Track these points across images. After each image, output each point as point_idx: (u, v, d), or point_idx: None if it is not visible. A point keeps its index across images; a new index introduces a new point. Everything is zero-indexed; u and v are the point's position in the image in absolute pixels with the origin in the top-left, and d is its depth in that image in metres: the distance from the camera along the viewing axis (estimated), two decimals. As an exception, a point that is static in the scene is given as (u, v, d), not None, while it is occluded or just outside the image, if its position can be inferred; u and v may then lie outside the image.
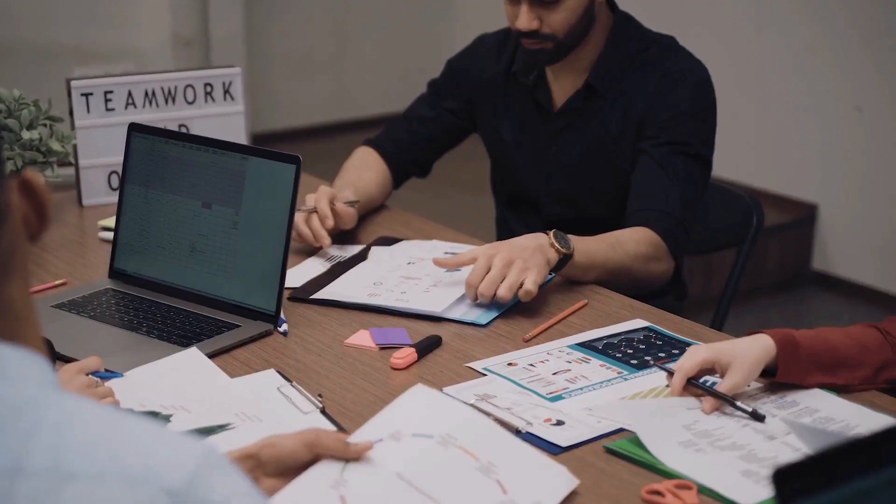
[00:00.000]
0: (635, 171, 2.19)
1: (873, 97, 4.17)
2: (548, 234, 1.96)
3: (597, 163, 2.28)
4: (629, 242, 2.06)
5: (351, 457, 1.38)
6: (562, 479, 1.42)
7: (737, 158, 4.59)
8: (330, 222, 2.16)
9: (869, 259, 4.28)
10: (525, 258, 1.91)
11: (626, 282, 2.06)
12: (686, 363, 1.64)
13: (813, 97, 4.34)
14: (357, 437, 1.40)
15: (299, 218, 2.14)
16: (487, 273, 1.90)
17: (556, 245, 1.95)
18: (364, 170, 2.40)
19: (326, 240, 2.16)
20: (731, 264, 2.45)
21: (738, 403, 1.60)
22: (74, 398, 0.93)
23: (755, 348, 1.65)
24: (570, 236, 1.99)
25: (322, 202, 2.16)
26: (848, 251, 4.36)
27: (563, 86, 2.30)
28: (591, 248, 2.01)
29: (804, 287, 4.43)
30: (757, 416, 1.59)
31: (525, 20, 2.15)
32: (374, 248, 2.22)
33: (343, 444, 1.38)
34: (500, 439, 1.44)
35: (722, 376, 1.64)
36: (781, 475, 0.98)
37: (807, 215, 4.41)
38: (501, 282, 1.89)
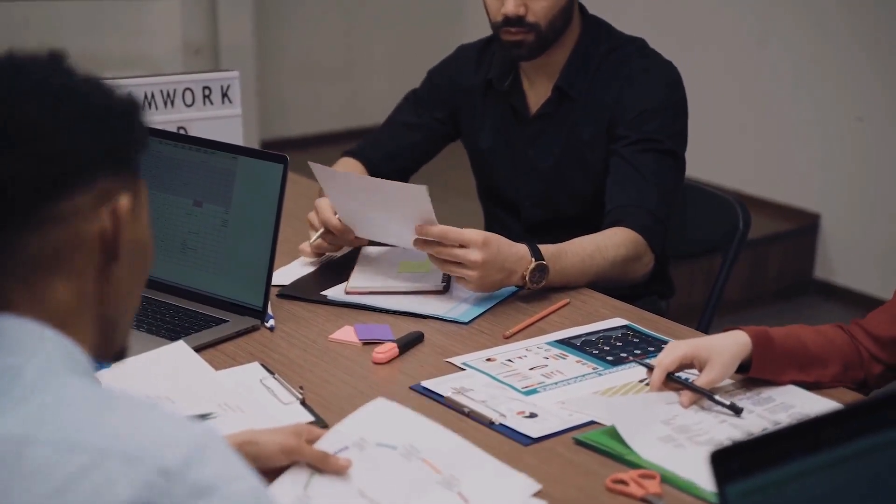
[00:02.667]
0: (609, 173, 2.23)
1: (875, 107, 4.20)
2: (527, 268, 1.96)
3: (571, 166, 2.31)
4: (609, 248, 2.08)
5: (328, 470, 1.42)
6: (524, 486, 1.45)
7: (739, 167, 4.61)
8: (351, 234, 2.16)
9: (871, 268, 4.30)
10: (499, 279, 1.96)
11: (607, 283, 2.10)
12: (666, 358, 1.67)
13: (815, 107, 4.37)
14: (326, 439, 1.45)
15: (319, 243, 2.17)
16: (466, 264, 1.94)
17: (528, 280, 1.97)
18: None
19: (351, 233, 2.17)
20: (717, 270, 2.48)
21: (717, 397, 1.64)
22: (87, 381, 1.02)
23: (732, 344, 1.69)
24: (549, 251, 1.99)
25: (332, 220, 2.15)
26: (850, 260, 4.37)
27: (536, 91, 2.33)
28: (566, 266, 2.02)
29: (806, 296, 4.45)
30: (735, 409, 1.62)
31: (512, 4, 2.19)
32: (364, 248, 2.26)
33: (322, 457, 1.42)
34: (462, 451, 1.47)
35: (700, 371, 1.67)
36: (719, 456, 1.01)
37: (809, 224, 4.43)
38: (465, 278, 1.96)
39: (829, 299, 4.40)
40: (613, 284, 2.10)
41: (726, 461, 1.01)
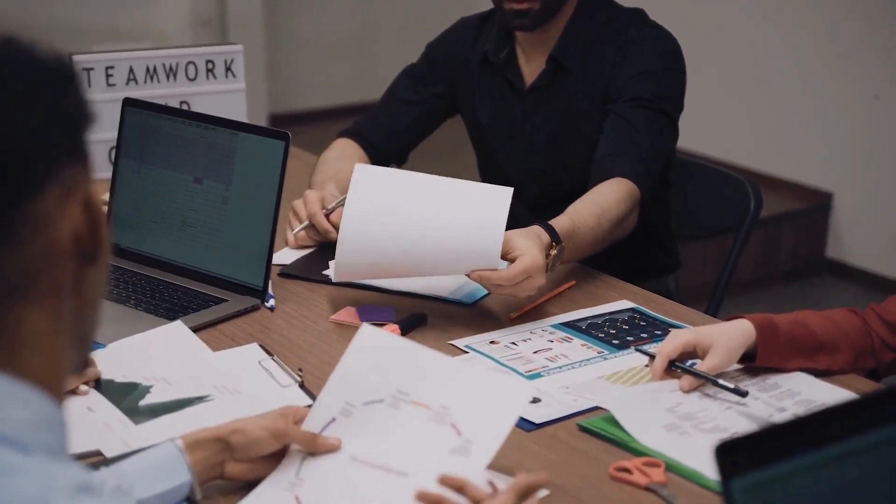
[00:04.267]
0: (603, 130, 2.17)
1: (891, 86, 4.14)
2: (550, 254, 1.83)
3: (568, 138, 2.26)
4: (612, 209, 1.99)
5: (319, 450, 1.40)
6: (516, 390, 1.42)
7: (752, 145, 4.56)
8: (333, 235, 2.10)
9: (884, 247, 4.25)
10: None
11: (606, 244, 2.03)
12: (667, 346, 1.64)
13: (830, 85, 4.31)
14: (312, 416, 1.42)
15: (301, 235, 2.13)
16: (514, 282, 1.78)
17: (550, 267, 1.83)
18: (343, 161, 2.33)
19: (334, 234, 2.14)
20: (729, 250, 2.44)
21: (721, 381, 1.60)
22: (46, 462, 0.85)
23: (736, 331, 1.65)
24: (563, 230, 1.86)
25: (318, 217, 2.11)
26: (863, 239, 4.33)
27: (532, 64, 2.28)
28: (580, 242, 1.92)
29: (818, 275, 4.41)
30: (739, 393, 1.59)
31: None
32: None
33: (310, 439, 1.39)
34: (450, 373, 1.43)
35: (703, 359, 1.64)
36: (724, 449, 0.98)
37: (822, 203, 4.38)
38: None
39: (842, 279, 4.36)
40: (609, 243, 2.02)
41: (731, 454, 0.98)
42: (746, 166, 4.39)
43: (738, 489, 0.98)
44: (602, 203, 1.99)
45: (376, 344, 1.46)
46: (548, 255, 1.81)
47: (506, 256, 1.77)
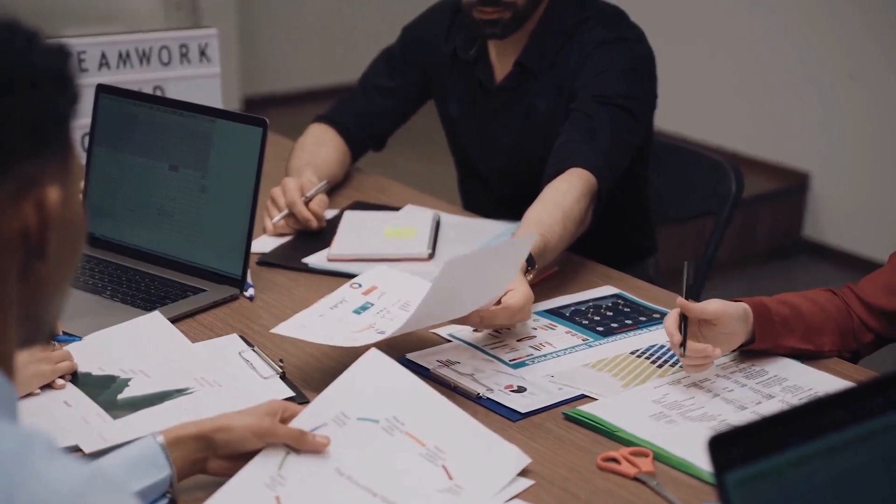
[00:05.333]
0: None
1: (866, 65, 4.13)
2: (527, 275, 1.76)
3: (533, 139, 2.21)
4: (574, 209, 1.92)
5: (305, 449, 1.37)
6: (512, 458, 1.40)
7: (729, 126, 4.56)
8: (314, 224, 2.09)
9: (861, 227, 4.26)
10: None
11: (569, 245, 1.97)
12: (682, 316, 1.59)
13: (806, 65, 4.30)
14: (304, 416, 1.40)
15: (280, 223, 2.10)
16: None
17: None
18: (320, 147, 2.30)
19: (314, 222, 2.12)
20: (710, 232, 2.43)
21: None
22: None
23: (734, 306, 1.62)
24: (536, 249, 1.79)
25: (298, 205, 2.09)
26: (840, 219, 4.33)
27: (502, 62, 2.22)
28: (550, 255, 1.87)
29: (795, 256, 4.41)
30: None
31: None
32: (346, 213, 2.20)
33: (297, 436, 1.37)
34: (451, 419, 1.41)
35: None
36: (717, 442, 0.97)
37: (799, 183, 4.38)
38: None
39: (820, 259, 4.36)
40: (572, 242, 1.96)
41: (725, 447, 0.96)
42: (723, 147, 4.38)
43: (733, 482, 0.96)
44: (563, 204, 1.91)
45: (383, 370, 1.44)
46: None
47: None
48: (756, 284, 4.13)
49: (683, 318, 1.58)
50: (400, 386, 1.43)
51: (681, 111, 4.42)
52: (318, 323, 1.65)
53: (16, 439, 0.86)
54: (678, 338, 1.57)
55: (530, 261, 1.78)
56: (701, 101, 4.56)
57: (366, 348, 1.48)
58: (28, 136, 0.88)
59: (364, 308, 1.68)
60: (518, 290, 1.70)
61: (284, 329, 1.65)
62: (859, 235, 4.26)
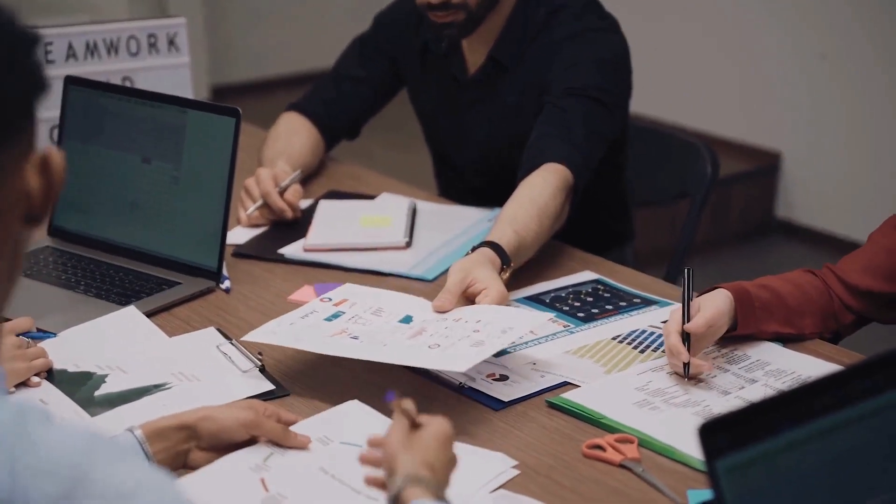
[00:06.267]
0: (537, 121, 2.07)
1: (837, 45, 4.14)
2: (502, 274, 1.76)
3: (504, 135, 2.19)
4: (549, 203, 1.89)
5: (289, 444, 1.36)
6: (497, 464, 1.39)
7: (700, 106, 4.56)
8: (289, 214, 2.08)
9: (833, 206, 4.27)
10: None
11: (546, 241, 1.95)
12: (672, 329, 1.57)
13: (777, 45, 4.31)
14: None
15: (255, 214, 2.08)
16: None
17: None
18: (293, 136, 2.27)
19: (289, 212, 2.09)
20: (686, 215, 2.42)
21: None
22: None
23: (720, 299, 1.61)
24: (511, 247, 1.79)
25: (272, 196, 2.07)
26: (812, 199, 4.34)
27: (475, 56, 2.18)
28: (525, 252, 1.84)
29: (768, 236, 4.42)
30: None
31: None
32: (321, 202, 2.18)
33: (282, 432, 1.36)
34: None
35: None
36: (708, 429, 0.96)
37: (771, 164, 4.39)
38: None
39: (792, 239, 4.38)
40: (549, 238, 1.94)
41: (715, 435, 0.96)
42: (694, 128, 4.38)
43: (723, 469, 0.96)
44: (539, 200, 1.89)
45: (364, 420, 1.44)
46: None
47: (468, 289, 1.68)
48: (729, 265, 4.13)
49: (686, 336, 1.56)
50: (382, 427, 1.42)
51: (652, 94, 4.41)
52: (289, 330, 1.63)
53: (11, 410, 0.86)
54: (686, 357, 1.54)
55: (506, 259, 1.76)
56: (672, 83, 4.56)
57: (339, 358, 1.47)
58: (31, 100, 0.91)
59: (335, 316, 1.66)
60: (492, 288, 1.67)
61: (255, 336, 1.62)
62: (831, 214, 4.27)
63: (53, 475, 0.84)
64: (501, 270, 1.75)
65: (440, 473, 1.17)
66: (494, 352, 1.53)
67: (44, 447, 0.85)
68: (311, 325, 1.63)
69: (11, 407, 0.87)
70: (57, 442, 0.85)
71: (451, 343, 1.54)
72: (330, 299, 1.70)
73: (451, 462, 1.20)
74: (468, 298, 1.68)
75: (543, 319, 1.59)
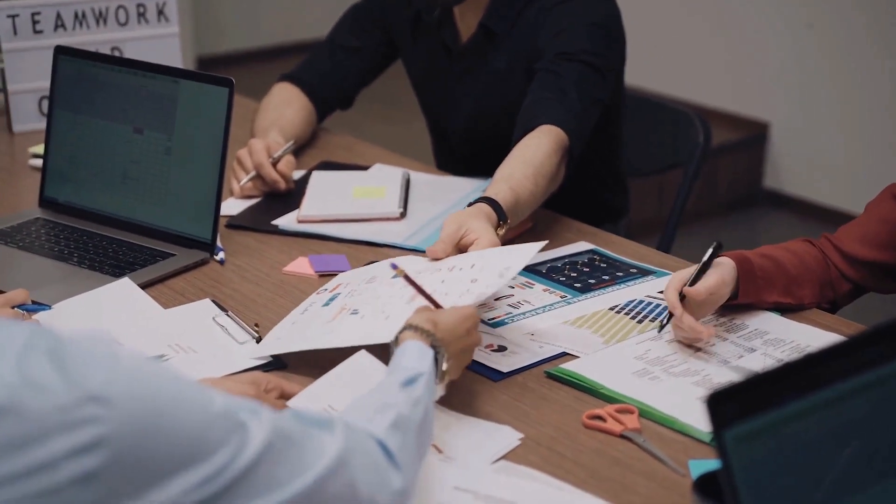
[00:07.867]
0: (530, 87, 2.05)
1: (824, 14, 4.14)
2: (499, 233, 1.74)
3: (492, 103, 2.18)
4: (544, 163, 1.88)
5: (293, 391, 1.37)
6: (503, 435, 1.39)
7: (688, 77, 4.55)
8: (282, 185, 2.06)
9: (821, 176, 4.28)
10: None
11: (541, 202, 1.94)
12: (671, 290, 1.58)
13: (764, 14, 4.30)
14: (290, 406, 1.38)
15: (248, 185, 2.06)
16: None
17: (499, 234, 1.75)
18: (286, 107, 2.26)
19: (282, 184, 2.08)
20: (679, 185, 2.42)
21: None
22: None
23: (723, 269, 1.61)
24: (507, 203, 1.77)
25: (266, 167, 2.05)
26: (800, 169, 4.35)
27: (467, 25, 2.17)
28: (522, 209, 1.83)
29: (756, 206, 4.43)
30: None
31: None
32: (315, 173, 2.16)
33: (282, 408, 1.35)
34: (440, 416, 1.40)
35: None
36: (716, 399, 0.95)
37: (758, 133, 4.39)
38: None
39: (780, 209, 4.39)
40: (544, 199, 1.93)
41: (722, 405, 0.95)
42: (682, 98, 4.38)
43: (731, 439, 0.95)
44: (534, 160, 1.87)
45: (371, 371, 1.41)
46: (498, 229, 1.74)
47: (462, 240, 1.67)
48: (718, 235, 4.10)
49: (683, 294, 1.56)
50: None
51: (639, 64, 4.40)
52: (293, 330, 1.62)
53: (23, 333, 0.94)
54: (678, 311, 1.55)
55: (502, 216, 1.75)
56: (659, 53, 4.55)
57: (351, 349, 1.45)
58: None
59: (332, 299, 1.64)
60: (484, 238, 1.65)
61: (264, 349, 1.58)
62: (819, 184, 4.28)
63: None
64: (498, 226, 1.73)
65: (445, 335, 1.34)
66: (494, 290, 1.51)
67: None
68: (311, 317, 1.62)
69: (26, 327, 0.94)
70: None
71: (451, 301, 1.51)
72: (325, 289, 1.69)
73: (463, 336, 1.37)
74: (461, 249, 1.67)
75: (536, 249, 1.56)
